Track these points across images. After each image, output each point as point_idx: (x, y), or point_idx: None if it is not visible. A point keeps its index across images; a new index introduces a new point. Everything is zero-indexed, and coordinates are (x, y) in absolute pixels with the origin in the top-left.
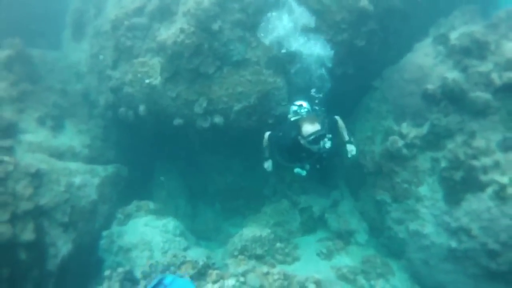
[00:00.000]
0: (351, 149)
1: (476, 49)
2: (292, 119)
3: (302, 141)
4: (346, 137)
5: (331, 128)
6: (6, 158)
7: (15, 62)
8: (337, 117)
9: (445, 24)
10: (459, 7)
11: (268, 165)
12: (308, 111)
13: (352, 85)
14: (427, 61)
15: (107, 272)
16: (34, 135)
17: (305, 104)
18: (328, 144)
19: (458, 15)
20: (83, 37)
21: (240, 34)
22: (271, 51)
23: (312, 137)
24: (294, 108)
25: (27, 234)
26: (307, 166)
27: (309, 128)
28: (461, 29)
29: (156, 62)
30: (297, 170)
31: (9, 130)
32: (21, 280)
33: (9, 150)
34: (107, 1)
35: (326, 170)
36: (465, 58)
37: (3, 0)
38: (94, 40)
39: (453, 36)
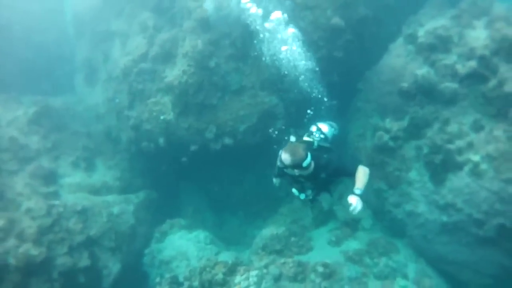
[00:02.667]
0: (351, 203)
1: (440, 44)
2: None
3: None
4: (355, 186)
5: (324, 163)
6: (56, 202)
7: (42, 116)
8: (360, 167)
9: (414, 21)
10: (428, 1)
11: (276, 181)
12: (294, 139)
13: (339, 90)
14: (399, 62)
15: (157, 279)
16: (72, 177)
17: (314, 128)
18: (304, 172)
19: (426, 11)
20: (96, 82)
21: (234, 65)
22: (263, 74)
23: (285, 165)
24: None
25: (84, 261)
26: (309, 192)
27: (285, 156)
28: (428, 24)
29: (167, 100)
30: (294, 191)
31: (51, 177)
32: None
33: (55, 194)
34: (113, 47)
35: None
36: (432, 54)
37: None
38: (107, 85)
39: (420, 33)
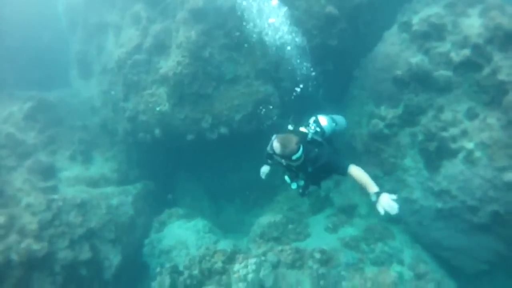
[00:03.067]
0: (387, 206)
1: (434, 32)
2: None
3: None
4: (371, 192)
5: (313, 157)
6: (55, 196)
7: (38, 111)
8: (351, 166)
9: (409, 9)
10: None
11: (263, 173)
12: (290, 129)
13: (335, 78)
14: (394, 49)
15: (157, 269)
16: (69, 171)
17: (312, 120)
18: (293, 164)
19: None
20: (90, 75)
21: (228, 55)
22: (258, 64)
23: (276, 153)
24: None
25: (85, 254)
26: (301, 182)
27: (276, 145)
28: (422, 12)
29: (162, 91)
30: (286, 178)
31: (49, 171)
32: None
33: (54, 189)
34: (106, 40)
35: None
36: (426, 42)
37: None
38: (101, 77)
39: (414, 21)
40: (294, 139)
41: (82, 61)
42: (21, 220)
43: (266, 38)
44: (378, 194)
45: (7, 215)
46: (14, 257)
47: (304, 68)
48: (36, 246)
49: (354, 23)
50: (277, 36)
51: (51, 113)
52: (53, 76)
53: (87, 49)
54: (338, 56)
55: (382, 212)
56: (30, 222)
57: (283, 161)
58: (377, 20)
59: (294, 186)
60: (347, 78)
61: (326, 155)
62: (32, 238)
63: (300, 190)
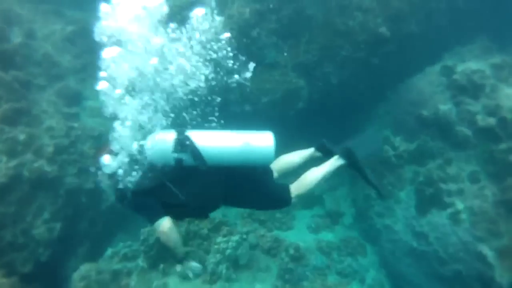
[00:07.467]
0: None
1: (471, 89)
2: None
3: None
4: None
5: None
6: (76, 125)
7: (78, 36)
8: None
9: (458, 54)
10: (479, 39)
11: None
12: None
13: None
14: (429, 88)
15: None
16: (94, 101)
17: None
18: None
19: (473, 47)
20: None
21: (274, 41)
22: (298, 57)
23: None
24: None
25: (89, 184)
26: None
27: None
28: (469, 63)
29: None
30: None
31: (75, 98)
32: (79, 219)
33: (75, 116)
34: None
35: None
36: (460, 95)
37: None
38: None
39: (458, 69)
40: None
41: None
42: (39, 141)
43: None
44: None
45: (27, 134)
46: (26, 173)
47: None
48: (47, 168)
49: (403, 47)
50: None
51: (90, 40)
52: None
53: None
54: (377, 72)
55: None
56: (48, 144)
57: None
58: (426, 50)
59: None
60: (378, 96)
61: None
62: (46, 160)
63: None
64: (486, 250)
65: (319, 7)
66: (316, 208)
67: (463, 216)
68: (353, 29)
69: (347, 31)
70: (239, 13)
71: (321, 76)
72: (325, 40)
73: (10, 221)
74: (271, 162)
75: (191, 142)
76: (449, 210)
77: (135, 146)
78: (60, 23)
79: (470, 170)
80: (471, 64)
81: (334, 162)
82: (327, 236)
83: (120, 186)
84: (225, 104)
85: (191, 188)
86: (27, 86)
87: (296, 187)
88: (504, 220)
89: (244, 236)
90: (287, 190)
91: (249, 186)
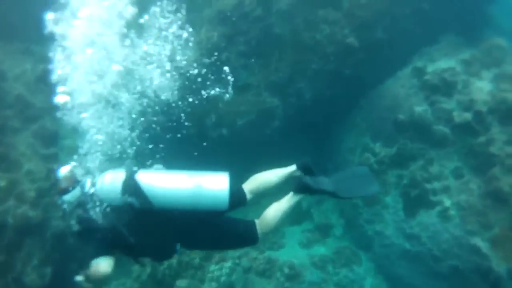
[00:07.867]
0: None
1: (444, 87)
2: None
3: None
4: None
5: None
6: (55, 166)
7: (50, 74)
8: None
9: (427, 54)
10: (447, 36)
11: None
12: None
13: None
14: (402, 92)
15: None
16: (71, 140)
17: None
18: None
19: (442, 46)
20: None
21: (244, 62)
22: (269, 76)
23: None
24: None
25: (74, 225)
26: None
27: None
28: (438, 63)
29: None
30: None
31: (52, 138)
32: (69, 260)
33: (54, 157)
34: None
35: None
36: (433, 94)
37: None
38: None
39: (428, 70)
40: None
41: None
42: (20, 186)
43: None
44: None
45: (8, 180)
46: (10, 220)
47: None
48: (31, 213)
49: (372, 54)
50: None
51: None
52: None
53: None
54: (349, 82)
55: None
56: (29, 189)
57: None
58: (395, 54)
59: None
60: (353, 104)
61: None
62: (29, 205)
63: None
64: (479, 242)
65: (286, 24)
66: (305, 223)
67: (452, 212)
68: (321, 42)
69: (315, 45)
70: (207, 38)
71: (294, 92)
72: (294, 56)
73: (1, 270)
74: (225, 207)
75: (138, 185)
76: (437, 208)
77: (88, 184)
78: (30, 62)
79: (452, 167)
80: (441, 63)
81: (293, 196)
82: (320, 250)
83: (74, 220)
84: (201, 130)
85: (141, 230)
86: (2, 130)
87: (261, 224)
88: (492, 210)
89: (237, 261)
90: (253, 227)
91: (207, 228)
